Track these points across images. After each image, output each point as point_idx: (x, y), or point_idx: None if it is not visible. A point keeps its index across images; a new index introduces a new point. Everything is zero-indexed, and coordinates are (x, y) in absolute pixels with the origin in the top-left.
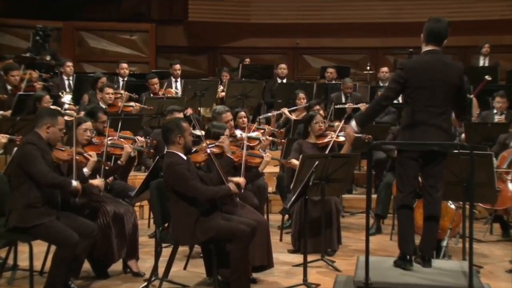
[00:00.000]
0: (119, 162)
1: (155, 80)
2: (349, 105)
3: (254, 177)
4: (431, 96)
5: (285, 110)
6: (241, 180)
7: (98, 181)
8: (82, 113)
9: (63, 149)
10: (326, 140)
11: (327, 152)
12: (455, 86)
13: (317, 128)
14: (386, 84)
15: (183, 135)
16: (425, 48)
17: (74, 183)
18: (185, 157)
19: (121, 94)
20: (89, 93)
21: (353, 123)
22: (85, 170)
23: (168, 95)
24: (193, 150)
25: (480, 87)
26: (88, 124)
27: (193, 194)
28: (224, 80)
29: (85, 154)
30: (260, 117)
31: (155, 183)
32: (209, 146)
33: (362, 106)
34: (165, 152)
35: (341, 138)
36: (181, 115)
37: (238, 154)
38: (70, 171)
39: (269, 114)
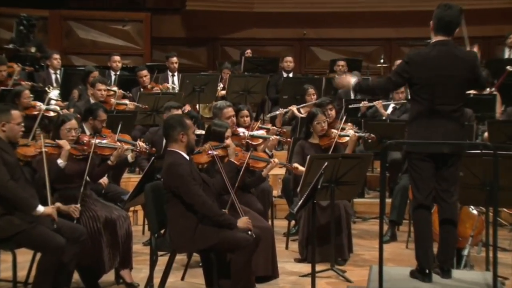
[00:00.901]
0: (108, 162)
1: (144, 72)
2: (363, 104)
3: (258, 182)
4: (440, 93)
5: (294, 108)
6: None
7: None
8: (71, 110)
9: (29, 144)
10: (329, 141)
11: (330, 153)
12: (467, 79)
13: (319, 129)
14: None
15: (186, 133)
16: (434, 38)
17: (41, 208)
18: (187, 157)
19: (114, 91)
20: (79, 88)
21: (353, 80)
22: (60, 161)
23: (158, 90)
24: (195, 151)
25: (501, 79)
26: (73, 123)
27: (192, 201)
28: (224, 77)
29: (55, 144)
30: (267, 116)
31: (150, 186)
32: (214, 148)
33: (379, 104)
34: (166, 151)
35: (345, 139)
36: (179, 111)
37: (241, 156)
38: (40, 166)
39: (277, 112)
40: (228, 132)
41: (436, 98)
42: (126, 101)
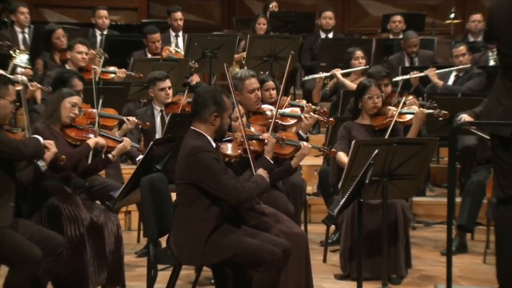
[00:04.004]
0: (109, 156)
1: (157, 36)
2: (412, 75)
3: (285, 174)
4: None
5: (338, 72)
6: None
7: (100, 139)
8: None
9: (15, 131)
10: (385, 120)
11: (387, 137)
12: None
13: (370, 105)
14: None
15: (221, 115)
16: None
17: (40, 138)
18: (214, 144)
19: (93, 54)
20: (44, 55)
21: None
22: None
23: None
24: (225, 138)
25: None
26: (78, 99)
27: (224, 194)
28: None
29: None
30: (304, 78)
31: (148, 179)
32: (247, 138)
33: (431, 73)
34: (189, 129)
35: (407, 117)
36: (166, 83)
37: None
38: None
39: (315, 75)
40: (235, 113)
41: None
42: (113, 68)
